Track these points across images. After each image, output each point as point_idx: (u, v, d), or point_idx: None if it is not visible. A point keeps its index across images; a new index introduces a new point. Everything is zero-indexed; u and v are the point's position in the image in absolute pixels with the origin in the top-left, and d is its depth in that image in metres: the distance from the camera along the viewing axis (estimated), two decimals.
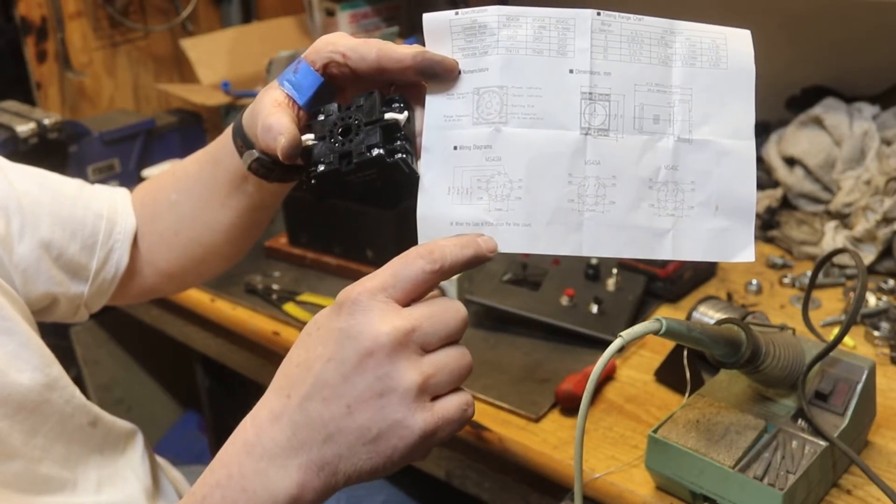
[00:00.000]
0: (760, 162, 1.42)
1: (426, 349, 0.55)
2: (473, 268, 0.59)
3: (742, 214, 0.64)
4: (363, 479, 0.56)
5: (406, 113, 0.62)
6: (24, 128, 1.39)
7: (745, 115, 0.64)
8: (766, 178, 1.40)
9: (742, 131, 0.64)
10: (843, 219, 1.28)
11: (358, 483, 0.56)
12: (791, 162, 1.36)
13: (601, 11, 0.62)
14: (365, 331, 0.54)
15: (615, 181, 0.62)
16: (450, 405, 0.55)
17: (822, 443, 0.78)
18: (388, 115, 0.61)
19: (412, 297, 0.56)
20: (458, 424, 0.56)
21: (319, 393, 0.54)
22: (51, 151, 1.44)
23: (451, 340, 0.56)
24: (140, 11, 1.80)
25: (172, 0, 1.83)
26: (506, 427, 0.95)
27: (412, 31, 1.81)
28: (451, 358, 0.55)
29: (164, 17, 1.84)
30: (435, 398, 0.55)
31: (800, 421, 0.81)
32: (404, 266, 0.56)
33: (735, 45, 0.65)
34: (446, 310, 0.56)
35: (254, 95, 1.57)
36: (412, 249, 0.57)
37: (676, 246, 0.63)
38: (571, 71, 0.62)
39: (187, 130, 1.71)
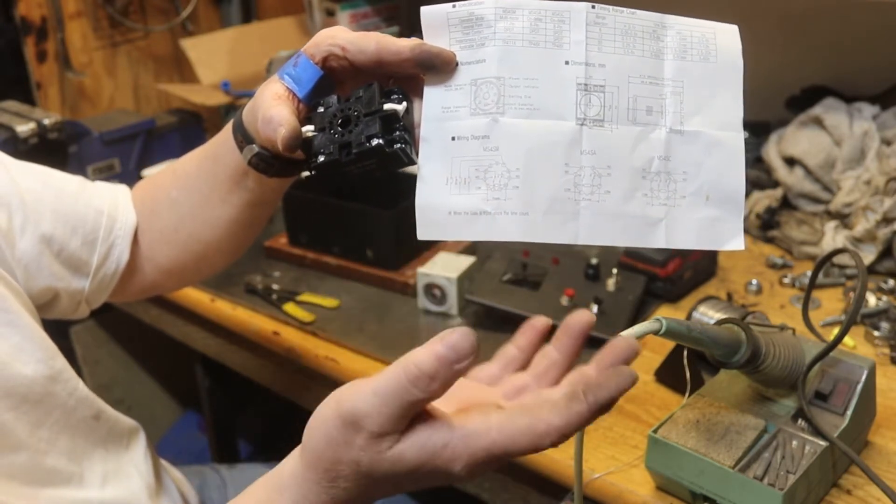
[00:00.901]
0: (760, 162, 1.42)
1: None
2: None
3: (732, 204, 0.65)
4: None
5: (405, 103, 0.63)
6: (24, 128, 1.39)
7: (734, 107, 0.66)
8: (766, 178, 1.40)
9: (731, 123, 0.65)
10: (843, 219, 1.28)
11: None
12: (791, 162, 1.36)
13: (595, 4, 0.63)
14: (401, 480, 0.55)
15: (610, 171, 0.63)
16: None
17: (822, 443, 0.78)
18: (386, 106, 0.62)
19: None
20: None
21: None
22: (51, 151, 1.44)
23: None
24: (140, 11, 1.80)
25: (172, 0, 1.83)
26: None
27: (412, 31, 1.80)
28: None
29: (164, 17, 1.84)
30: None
31: (800, 421, 0.81)
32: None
33: (723, 39, 0.66)
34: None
35: (253, 95, 1.58)
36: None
37: (669, 234, 0.64)
38: (567, 62, 0.63)
39: (187, 130, 1.71)
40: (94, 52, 1.75)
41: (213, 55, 1.69)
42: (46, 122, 1.42)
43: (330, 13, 1.77)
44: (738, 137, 0.65)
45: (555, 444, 0.54)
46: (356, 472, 0.54)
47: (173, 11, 1.84)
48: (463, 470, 0.53)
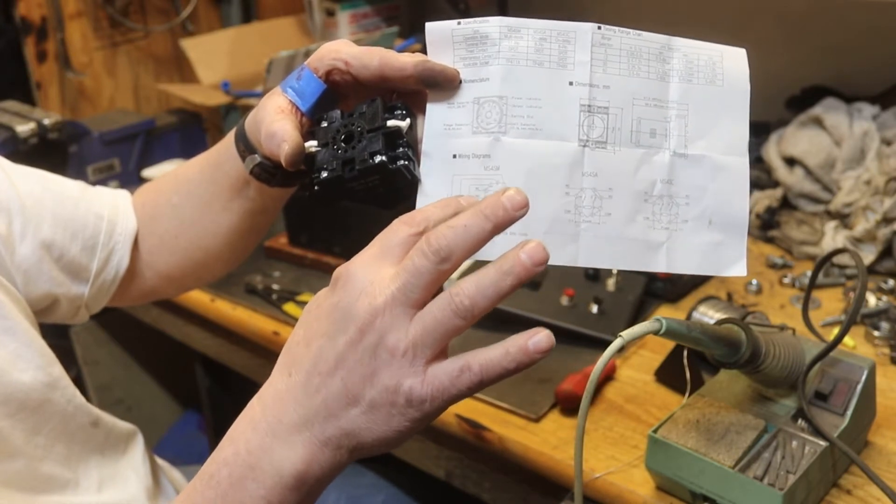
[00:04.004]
0: (760, 162, 1.42)
1: (415, 305, 0.53)
2: None
3: (735, 229, 0.65)
4: (368, 452, 0.55)
5: (408, 120, 0.62)
6: (24, 128, 1.39)
7: (740, 131, 0.65)
8: (766, 178, 1.40)
9: (736, 147, 0.65)
10: (843, 219, 1.28)
11: (365, 456, 0.56)
12: (791, 162, 1.36)
13: (601, 25, 0.63)
14: (354, 304, 0.53)
15: (612, 193, 0.62)
16: (439, 372, 0.53)
17: (822, 443, 0.78)
18: (390, 122, 0.62)
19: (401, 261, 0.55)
20: (449, 393, 0.53)
21: (317, 369, 0.54)
22: (51, 151, 1.44)
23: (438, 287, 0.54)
24: (140, 11, 1.80)
25: (172, 0, 1.83)
26: (506, 427, 0.95)
27: (412, 32, 1.81)
28: (437, 310, 0.53)
29: (164, 17, 1.84)
30: (431, 362, 0.53)
31: (800, 421, 0.81)
32: (390, 235, 0.55)
33: (731, 62, 0.65)
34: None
35: (254, 95, 1.58)
36: (395, 220, 0.56)
37: (670, 259, 0.64)
38: (571, 83, 0.62)
39: (187, 130, 1.71)
40: (94, 52, 1.74)
41: (213, 55, 1.69)
42: (46, 122, 1.42)
43: (330, 13, 1.77)
44: (743, 162, 0.65)
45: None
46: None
47: (173, 11, 1.84)
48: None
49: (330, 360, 0.54)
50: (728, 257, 0.65)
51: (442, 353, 0.54)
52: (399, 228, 0.55)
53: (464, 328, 0.53)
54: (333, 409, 0.54)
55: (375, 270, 0.54)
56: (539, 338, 0.53)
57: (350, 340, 0.53)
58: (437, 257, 0.52)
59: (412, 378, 0.53)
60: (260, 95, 1.50)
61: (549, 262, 0.60)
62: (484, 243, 0.53)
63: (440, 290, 0.54)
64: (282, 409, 0.55)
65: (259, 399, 0.57)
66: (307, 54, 1.41)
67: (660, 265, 0.64)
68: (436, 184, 0.63)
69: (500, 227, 0.53)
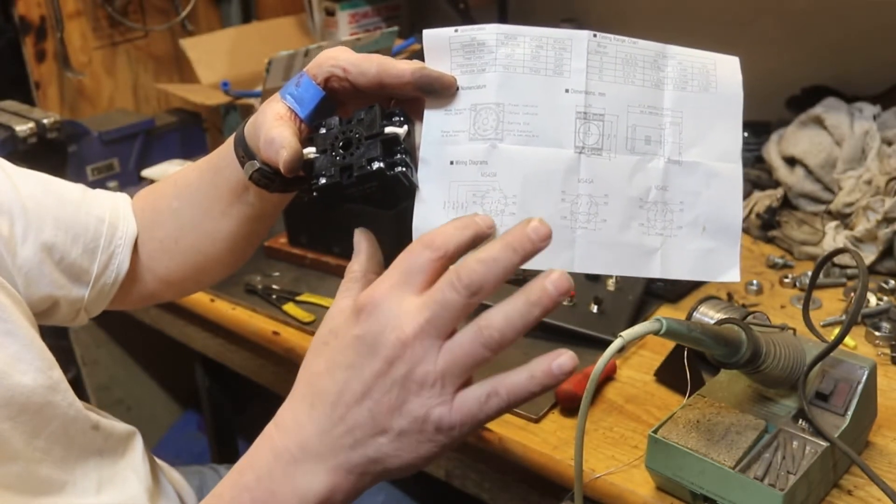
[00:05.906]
0: (761, 162, 1.42)
1: (443, 337, 0.54)
2: (476, 246, 0.59)
3: (728, 236, 0.65)
4: (393, 476, 0.57)
5: (406, 127, 0.62)
6: (23, 127, 1.39)
7: (733, 138, 0.66)
8: (766, 178, 1.40)
9: (729, 154, 0.65)
10: (844, 219, 1.28)
11: (390, 479, 0.57)
12: (791, 162, 1.36)
13: (597, 33, 0.63)
14: (381, 335, 0.54)
15: (607, 200, 0.63)
16: (467, 399, 0.55)
17: (823, 443, 0.78)
18: (388, 129, 0.62)
19: (425, 289, 0.56)
20: (477, 418, 0.55)
21: (342, 400, 0.55)
22: (50, 151, 1.44)
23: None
24: (140, 11, 1.80)
25: (172, 0, 1.83)
26: (506, 427, 0.95)
27: (412, 32, 1.81)
28: (467, 342, 0.54)
29: (164, 17, 1.83)
30: (458, 390, 0.55)
31: (800, 421, 0.81)
32: (411, 261, 0.56)
33: (724, 70, 0.66)
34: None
35: (253, 95, 1.58)
36: (415, 242, 0.56)
37: (665, 265, 0.64)
38: (567, 90, 0.63)
39: (187, 130, 1.71)
40: (93, 52, 1.74)
41: (213, 55, 1.69)
42: (45, 121, 1.42)
43: (330, 13, 1.77)
44: (737, 168, 0.65)
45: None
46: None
47: (173, 11, 1.84)
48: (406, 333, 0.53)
49: (356, 392, 0.55)
50: (721, 263, 0.65)
51: (468, 379, 0.55)
52: (420, 253, 0.55)
53: (491, 358, 0.55)
54: (360, 439, 0.55)
55: (400, 300, 0.55)
56: (562, 360, 0.55)
57: (377, 372, 0.54)
58: (468, 291, 0.54)
59: (441, 407, 0.54)
60: (260, 95, 1.50)
61: (546, 268, 0.61)
62: (510, 275, 0.55)
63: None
64: (305, 438, 0.56)
65: (277, 427, 0.58)
66: (307, 54, 1.41)
67: (654, 271, 0.64)
68: (433, 190, 0.63)
69: (526, 259, 0.54)
